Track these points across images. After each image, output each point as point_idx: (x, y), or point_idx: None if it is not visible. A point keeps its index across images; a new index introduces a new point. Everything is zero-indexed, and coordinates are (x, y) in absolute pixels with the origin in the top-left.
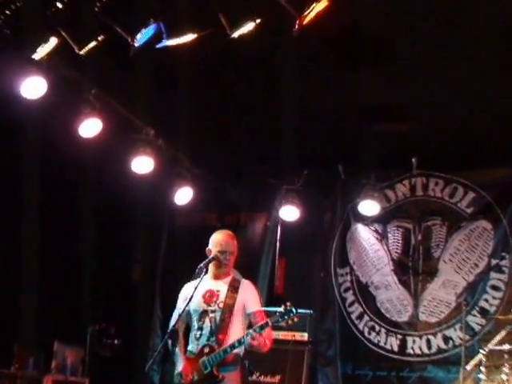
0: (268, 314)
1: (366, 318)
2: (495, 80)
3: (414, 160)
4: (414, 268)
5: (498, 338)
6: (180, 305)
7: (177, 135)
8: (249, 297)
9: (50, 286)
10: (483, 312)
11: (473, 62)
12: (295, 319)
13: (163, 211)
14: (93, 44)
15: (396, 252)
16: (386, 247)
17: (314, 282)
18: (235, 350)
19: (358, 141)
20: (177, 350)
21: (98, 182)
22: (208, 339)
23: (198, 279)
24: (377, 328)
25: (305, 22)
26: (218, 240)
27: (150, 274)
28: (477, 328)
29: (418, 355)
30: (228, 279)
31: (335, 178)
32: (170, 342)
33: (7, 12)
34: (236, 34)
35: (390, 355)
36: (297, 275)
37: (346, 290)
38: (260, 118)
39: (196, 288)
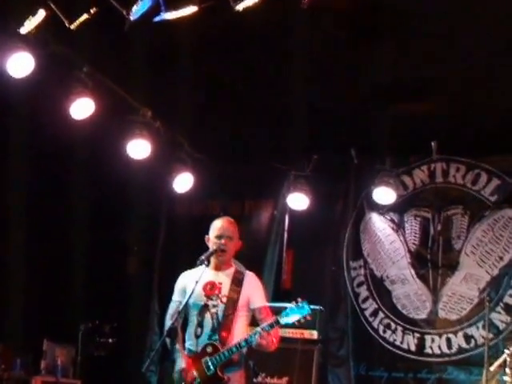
0: (275, 311)
1: (381, 314)
2: None
3: (433, 144)
4: (433, 261)
5: None
6: (176, 297)
7: (176, 117)
8: (254, 291)
9: (38, 280)
10: (508, 309)
11: (500, 38)
12: (308, 317)
13: (161, 199)
14: (84, 17)
15: (413, 243)
16: (402, 238)
17: (325, 275)
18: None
19: (373, 123)
20: (177, 346)
21: (91, 168)
22: (210, 337)
23: (198, 270)
24: (392, 326)
25: None
26: (215, 225)
27: (147, 267)
28: (501, 326)
29: (438, 355)
30: (231, 271)
31: (348, 163)
32: (168, 340)
33: None
34: (240, 7)
35: (407, 355)
36: (306, 269)
37: (360, 284)
38: (266, 99)
39: (197, 282)
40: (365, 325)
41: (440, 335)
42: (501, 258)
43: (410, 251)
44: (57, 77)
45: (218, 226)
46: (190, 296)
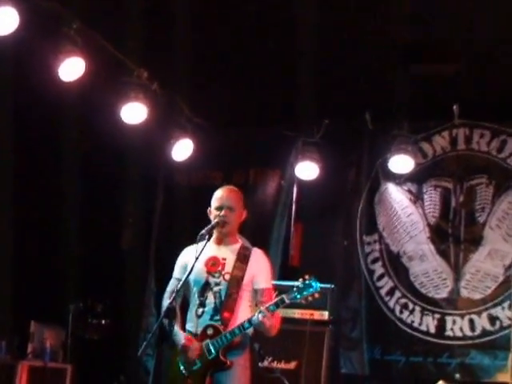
0: (282, 290)
1: (398, 293)
2: None
3: (455, 107)
4: (455, 235)
5: None
6: (177, 274)
7: (174, 78)
8: (260, 270)
9: (24, 255)
10: None
11: None
12: (316, 295)
13: (159, 168)
14: None
15: (433, 216)
16: (421, 210)
17: (336, 251)
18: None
19: (389, 84)
20: (176, 328)
21: (82, 133)
22: (211, 318)
23: (201, 244)
24: (410, 306)
25: None
26: (215, 196)
27: (143, 241)
28: None
29: (459, 338)
30: (236, 246)
31: (361, 128)
32: (166, 321)
33: None
34: None
35: (426, 338)
36: (316, 243)
37: (374, 260)
38: (273, 58)
39: (197, 258)
40: (380, 305)
41: (462, 316)
42: None
43: (429, 225)
44: (44, 34)
45: (218, 196)
46: (190, 272)
